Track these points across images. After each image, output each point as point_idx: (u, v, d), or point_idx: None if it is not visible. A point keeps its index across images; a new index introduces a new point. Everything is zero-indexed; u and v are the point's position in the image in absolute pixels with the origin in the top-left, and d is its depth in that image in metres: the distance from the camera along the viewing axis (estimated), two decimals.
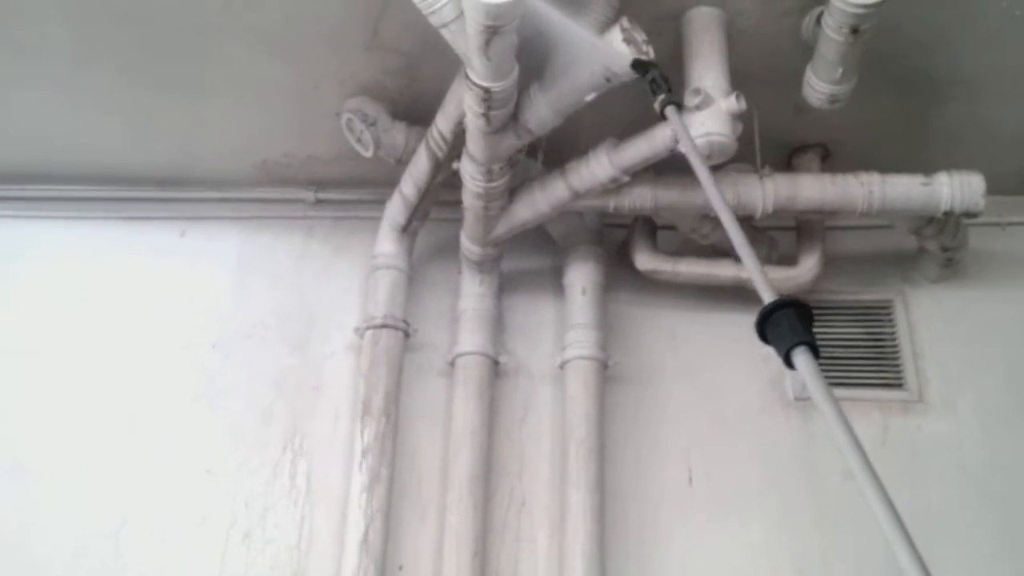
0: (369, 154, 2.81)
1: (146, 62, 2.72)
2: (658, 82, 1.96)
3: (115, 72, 2.75)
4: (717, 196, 1.62)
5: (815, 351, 1.16)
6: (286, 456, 2.87)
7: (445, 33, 2.14)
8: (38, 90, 2.85)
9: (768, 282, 1.32)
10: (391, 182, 2.92)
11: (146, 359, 3.03)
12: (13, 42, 2.63)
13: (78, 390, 2.99)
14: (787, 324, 1.20)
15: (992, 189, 2.59)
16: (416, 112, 2.80)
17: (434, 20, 2.12)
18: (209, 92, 2.85)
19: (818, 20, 2.31)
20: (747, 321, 2.97)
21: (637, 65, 2.06)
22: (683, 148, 1.88)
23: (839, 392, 2.88)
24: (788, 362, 1.21)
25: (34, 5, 2.48)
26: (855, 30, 2.19)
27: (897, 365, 3.00)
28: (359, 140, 2.81)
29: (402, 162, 2.83)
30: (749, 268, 1.38)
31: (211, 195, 3.27)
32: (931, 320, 3.05)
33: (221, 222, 3.27)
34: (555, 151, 2.67)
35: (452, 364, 2.90)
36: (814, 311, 2.95)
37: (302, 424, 2.92)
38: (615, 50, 2.14)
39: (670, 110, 1.90)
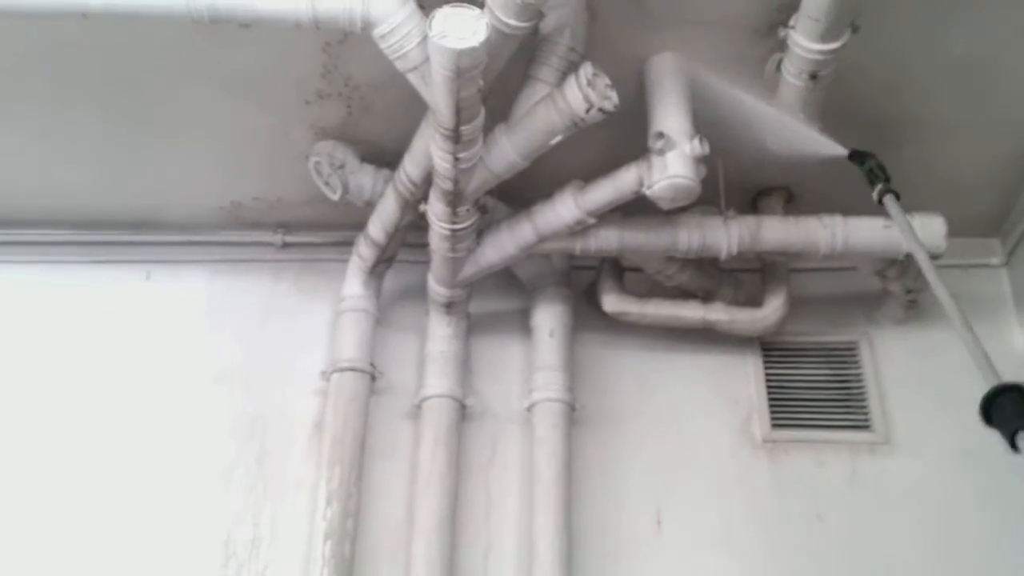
0: (337, 197, 2.81)
1: (115, 106, 2.72)
2: (875, 172, 2.03)
3: (84, 115, 2.75)
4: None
5: None
6: (251, 501, 2.83)
7: (412, 77, 2.16)
8: (3, 133, 2.83)
9: (991, 363, 1.34)
10: (359, 225, 2.92)
11: (111, 404, 2.99)
12: None
13: (42, 436, 2.94)
14: (1012, 408, 1.21)
15: (953, 231, 2.63)
16: (384, 155, 2.81)
17: (400, 65, 2.14)
18: (178, 135, 2.85)
19: (778, 66, 2.35)
20: (715, 363, 3.05)
21: (855, 156, 2.11)
22: (904, 240, 1.90)
23: (806, 434, 2.93)
24: (1013, 444, 1.22)
25: (4, 49, 2.47)
26: (814, 76, 2.23)
27: (864, 406, 3.01)
28: (327, 183, 2.81)
29: (370, 205, 2.84)
30: (972, 349, 1.41)
31: (178, 238, 3.25)
32: (896, 361, 3.07)
33: (188, 265, 3.25)
34: (522, 194, 2.68)
35: (419, 407, 2.87)
36: (778, 352, 3.00)
37: (268, 469, 2.88)
38: (829, 141, 2.24)
39: (888, 199, 1.94)
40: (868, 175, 2.04)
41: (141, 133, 2.84)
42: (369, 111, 2.72)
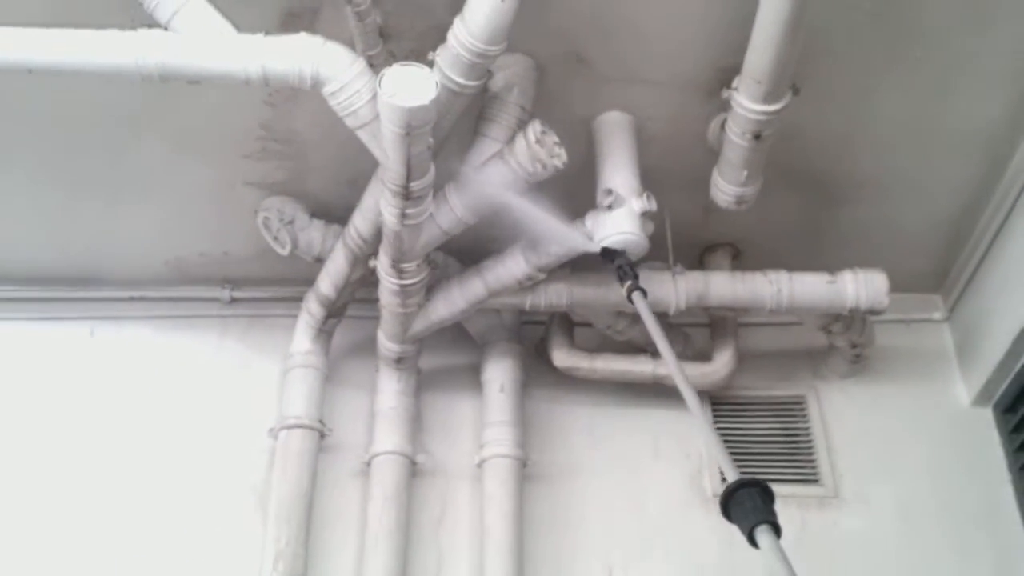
0: (286, 252, 2.80)
1: (58, 160, 2.70)
2: (624, 269, 2.08)
3: (24, 169, 2.72)
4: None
5: (777, 530, 1.19)
6: (194, 562, 2.76)
7: (362, 134, 2.17)
8: None
9: (731, 461, 1.37)
10: (308, 280, 2.91)
11: (50, 466, 2.92)
12: None
13: None
14: (750, 503, 1.23)
15: (896, 287, 2.67)
16: (333, 210, 2.81)
17: (350, 122, 2.15)
18: (122, 190, 2.82)
19: (723, 126, 2.40)
20: (665, 417, 3.05)
21: (606, 253, 2.17)
22: (647, 325, 1.95)
23: None
24: (752, 540, 1.24)
25: None
26: (757, 136, 2.28)
27: (812, 460, 3.02)
28: (276, 238, 2.80)
29: (319, 260, 2.83)
30: (714, 452, 1.44)
31: (122, 294, 3.20)
32: (843, 415, 3.09)
33: (132, 321, 3.20)
34: (472, 249, 2.69)
35: (368, 464, 2.83)
36: (727, 407, 3.03)
37: (213, 529, 2.82)
38: (584, 237, 2.30)
39: (636, 296, 1.99)
40: (617, 272, 2.13)
41: (84, 187, 2.81)
42: (318, 166, 2.72)
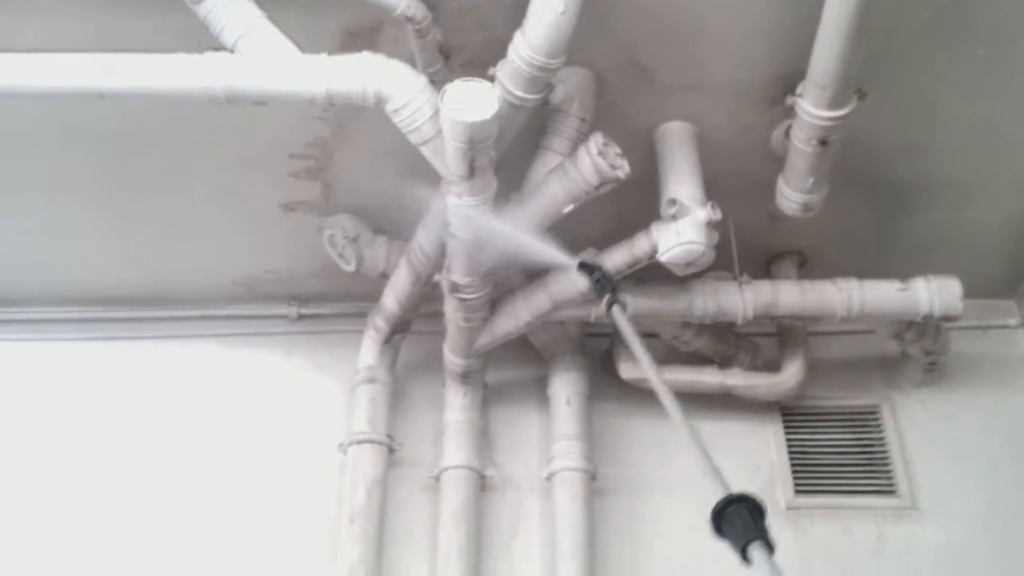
0: (351, 269, 2.83)
1: (129, 183, 2.76)
2: (602, 283, 2.07)
3: (95, 194, 2.79)
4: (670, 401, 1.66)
5: (770, 547, 1.16)
6: None
7: (425, 150, 2.18)
8: (16, 209, 2.86)
9: (721, 475, 1.35)
10: (373, 296, 2.94)
11: (119, 485, 2.97)
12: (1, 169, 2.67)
13: (50, 515, 2.93)
14: (740, 521, 1.21)
15: (970, 293, 2.62)
16: (398, 226, 2.82)
17: (413, 138, 2.16)
18: (191, 211, 2.87)
19: (787, 132, 2.37)
20: (735, 428, 3.02)
21: (583, 267, 2.17)
22: (626, 339, 1.93)
23: (831, 500, 2.88)
24: (745, 557, 1.21)
25: (20, 126, 2.51)
26: (823, 141, 2.24)
27: (888, 471, 2.97)
28: (341, 255, 2.83)
29: (384, 276, 2.85)
30: (703, 464, 1.41)
31: (191, 313, 3.26)
32: (919, 425, 3.04)
33: (202, 339, 3.25)
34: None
35: (437, 479, 2.85)
36: (798, 417, 2.97)
37: (286, 545, 2.85)
38: (563, 256, 2.25)
39: (615, 310, 1.99)
40: (595, 286, 2.08)
41: (154, 210, 2.87)
42: (382, 182, 2.72)
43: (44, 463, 3.03)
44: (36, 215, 2.88)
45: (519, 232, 2.33)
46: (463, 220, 2.29)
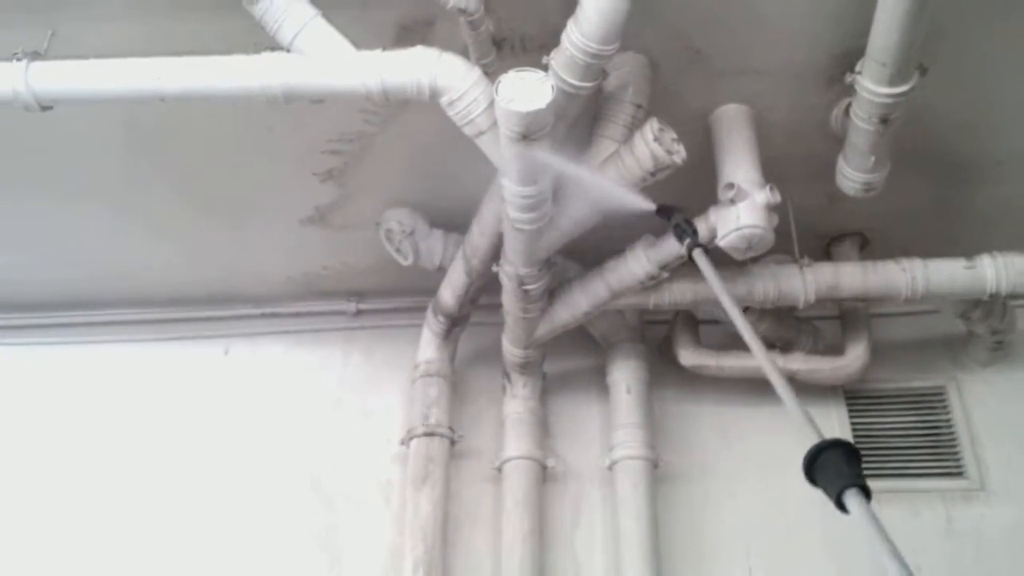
0: (408, 263, 2.84)
1: (187, 184, 2.81)
2: (682, 227, 2.03)
3: (156, 195, 2.84)
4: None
5: (867, 493, 1.12)
6: (335, 571, 2.83)
7: (480, 142, 2.18)
8: (79, 215, 2.92)
9: (812, 420, 1.30)
10: (430, 289, 2.95)
11: (191, 481, 3.03)
12: (66, 168, 2.72)
13: (122, 513, 2.99)
14: (834, 468, 1.16)
15: None
16: (453, 219, 2.84)
17: (468, 130, 2.16)
18: (250, 209, 2.91)
19: (846, 111, 2.33)
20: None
21: (661, 211, 2.13)
22: (712, 288, 1.89)
23: (898, 483, 2.85)
24: (840, 505, 1.17)
25: (80, 133, 2.56)
26: (884, 120, 2.20)
27: (956, 453, 2.92)
28: (398, 250, 2.85)
29: (441, 269, 2.87)
30: (794, 412, 1.37)
31: (253, 311, 3.31)
32: (986, 405, 2.98)
33: (264, 338, 3.30)
34: (591, 251, 2.68)
35: (499, 470, 2.86)
36: (863, 401, 2.92)
37: (350, 538, 2.89)
38: (640, 199, 2.21)
39: (697, 253, 1.95)
40: (675, 230, 2.03)
41: (213, 209, 2.91)
42: (437, 176, 2.75)
43: (109, 465, 3.09)
44: (100, 220, 2.94)
45: (595, 176, 2.29)
46: (537, 167, 2.18)
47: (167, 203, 2.87)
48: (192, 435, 3.13)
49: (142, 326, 3.35)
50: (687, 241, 1.98)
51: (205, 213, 2.92)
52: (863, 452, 2.87)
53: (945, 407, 3.00)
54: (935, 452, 2.93)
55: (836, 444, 1.17)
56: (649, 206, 2.19)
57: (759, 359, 1.57)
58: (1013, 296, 2.59)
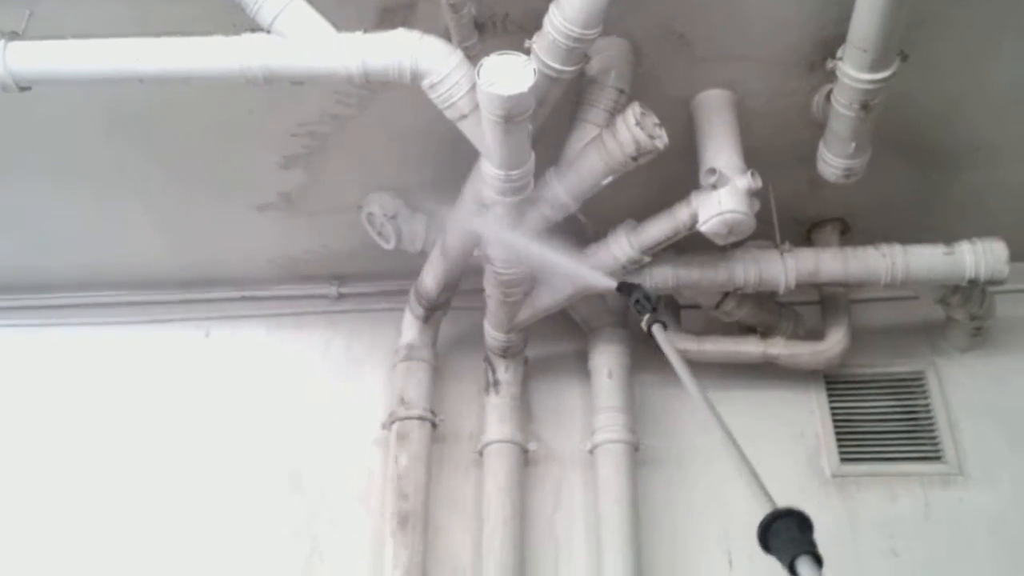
0: (390, 247, 2.84)
1: (171, 168, 2.78)
2: (642, 303, 2.07)
3: (140, 178, 2.82)
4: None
5: (819, 561, 1.16)
6: (314, 557, 2.83)
7: (462, 125, 2.17)
8: (61, 198, 2.90)
9: (767, 491, 1.34)
10: (412, 273, 2.95)
11: (168, 464, 3.02)
12: (45, 151, 2.70)
13: (102, 495, 2.99)
14: (787, 535, 1.20)
15: (1015, 255, 2.58)
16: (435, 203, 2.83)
17: (450, 114, 2.16)
18: (231, 192, 2.89)
19: (828, 97, 2.34)
20: (779, 398, 3.01)
21: (622, 287, 2.17)
22: (668, 357, 1.94)
23: (876, 467, 2.87)
24: (792, 571, 1.20)
25: (62, 116, 2.54)
26: (865, 106, 2.21)
27: (934, 437, 2.95)
28: (380, 233, 2.84)
29: (423, 252, 2.86)
30: (749, 482, 1.41)
31: (235, 294, 3.30)
32: (964, 390, 3.01)
33: (246, 321, 3.29)
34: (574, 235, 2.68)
35: (481, 454, 2.87)
36: (842, 385, 2.95)
37: (331, 521, 2.89)
38: (602, 277, 2.34)
39: (656, 329, 1.98)
40: (635, 306, 2.07)
41: (194, 192, 2.89)
42: (419, 160, 2.74)
43: (89, 446, 3.08)
44: (80, 202, 2.91)
45: (555, 253, 2.40)
46: (498, 244, 2.38)
47: (148, 186, 2.85)
48: (172, 417, 3.12)
49: (122, 308, 3.33)
50: (647, 316, 2.03)
51: (186, 196, 2.90)
52: (843, 436, 2.95)
53: (924, 392, 3.02)
54: (914, 436, 2.95)
55: (789, 513, 1.21)
56: (610, 283, 2.24)
57: (717, 426, 1.61)
58: (992, 282, 2.60)
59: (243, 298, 3.30)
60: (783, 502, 2.84)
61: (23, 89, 2.14)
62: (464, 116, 2.14)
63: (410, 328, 2.99)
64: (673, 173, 2.42)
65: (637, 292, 2.10)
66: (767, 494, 1.31)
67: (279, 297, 3.29)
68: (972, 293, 2.75)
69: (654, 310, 2.04)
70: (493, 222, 2.37)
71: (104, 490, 2.99)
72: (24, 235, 3.07)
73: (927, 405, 3.00)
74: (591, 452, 2.83)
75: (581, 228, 2.64)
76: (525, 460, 2.88)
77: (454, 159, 2.52)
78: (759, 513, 2.84)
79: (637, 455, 2.82)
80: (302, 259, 3.19)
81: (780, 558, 1.19)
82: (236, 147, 2.71)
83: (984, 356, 3.04)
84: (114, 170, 2.78)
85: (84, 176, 2.80)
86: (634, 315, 2.07)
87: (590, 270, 2.40)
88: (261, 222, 3.01)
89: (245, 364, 3.22)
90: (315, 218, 3.00)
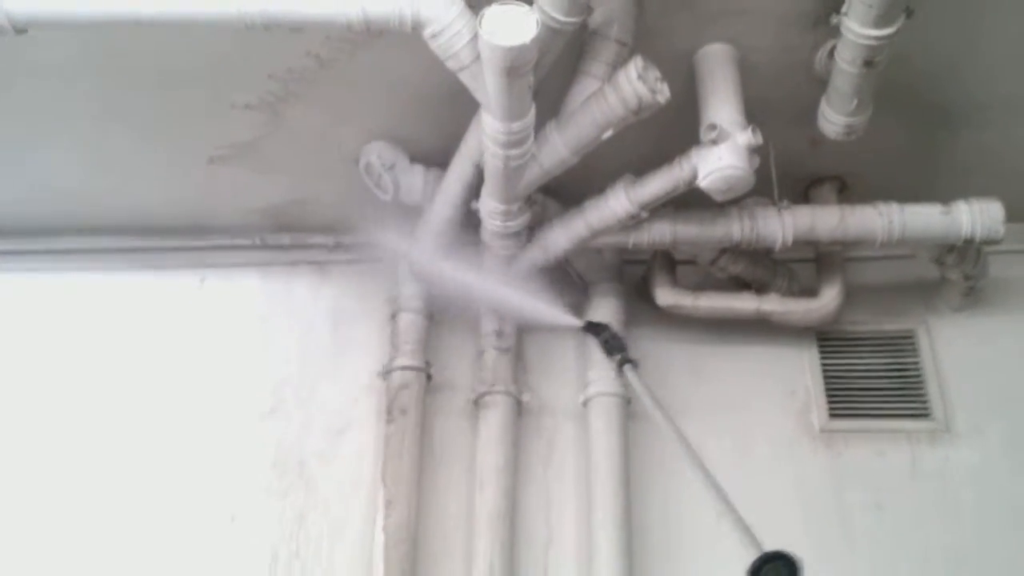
0: (388, 197, 2.82)
1: (163, 112, 2.74)
2: (611, 343, 2.08)
3: (132, 123, 2.78)
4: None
5: None
6: (310, 504, 2.85)
7: (463, 76, 2.16)
8: (53, 142, 2.87)
9: (753, 535, 1.36)
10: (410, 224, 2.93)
11: (164, 412, 3.02)
12: (40, 97, 2.66)
13: (95, 444, 2.97)
14: None
15: (1011, 216, 2.59)
16: (433, 155, 2.82)
17: (451, 64, 2.15)
18: (226, 139, 2.85)
19: (831, 53, 2.33)
20: (771, 354, 3.04)
21: (589, 327, 2.19)
22: (639, 395, 1.97)
23: (866, 423, 2.90)
24: None
25: (53, 59, 2.51)
26: (868, 63, 2.20)
27: (923, 395, 2.98)
28: (378, 184, 2.82)
29: (421, 204, 2.85)
30: (736, 526, 1.43)
31: (230, 242, 3.27)
32: (955, 349, 3.04)
33: (241, 269, 3.26)
34: (571, 189, 2.68)
35: (475, 404, 2.89)
36: (835, 342, 2.98)
37: (324, 469, 2.91)
38: (568, 317, 2.47)
39: (627, 369, 2.01)
40: (604, 346, 2.11)
41: (192, 138, 2.85)
42: (419, 111, 2.72)
43: (83, 391, 3.07)
44: (74, 145, 2.87)
45: (522, 295, 2.57)
46: (464, 288, 2.56)
47: (142, 132, 2.81)
48: (165, 364, 3.11)
49: (115, 254, 3.29)
50: (617, 357, 2.05)
51: (183, 142, 2.86)
52: (833, 392, 2.97)
53: (914, 350, 3.05)
54: (903, 394, 2.99)
55: (778, 556, 1.24)
56: (576, 323, 2.26)
57: (696, 475, 1.64)
58: (987, 242, 2.62)
59: (238, 246, 3.26)
60: (773, 457, 2.91)
61: (19, 32, 2.10)
62: (465, 67, 2.13)
63: (406, 278, 2.99)
64: (672, 128, 2.42)
65: (606, 332, 2.15)
66: (754, 537, 1.32)
67: (275, 246, 3.26)
68: (967, 253, 2.77)
69: (623, 348, 2.08)
70: (466, 268, 2.59)
71: (92, 440, 2.98)
72: (11, 176, 3.03)
73: (917, 363, 3.03)
74: (584, 405, 2.86)
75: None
76: (519, 411, 2.90)
77: (453, 110, 2.51)
78: (748, 468, 2.90)
79: (629, 408, 2.84)
80: (300, 207, 3.16)
81: None
82: (219, 92, 2.65)
83: (976, 315, 3.07)
84: (108, 115, 2.74)
85: (76, 119, 2.75)
86: (604, 355, 2.15)
87: (555, 310, 2.53)
88: (260, 168, 2.97)
89: (239, 313, 3.20)
90: (314, 165, 2.97)
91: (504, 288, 2.62)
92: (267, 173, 3.01)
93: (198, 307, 3.24)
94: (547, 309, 2.54)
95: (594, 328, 2.18)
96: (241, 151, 2.90)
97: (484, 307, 2.79)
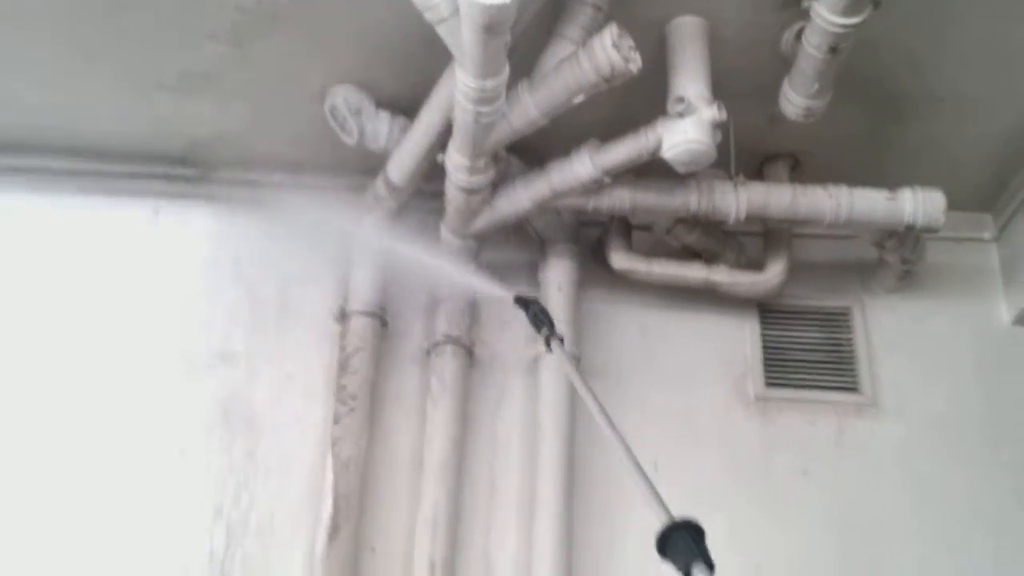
0: (352, 142, 2.83)
1: (132, 37, 2.69)
2: (540, 317, 2.13)
3: (97, 43, 2.71)
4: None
5: (711, 567, 1.27)
6: (262, 439, 2.89)
7: (440, 29, 2.17)
8: (9, 49, 2.77)
9: (663, 503, 1.45)
10: (372, 170, 2.94)
11: (112, 346, 3.00)
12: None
13: (45, 377, 2.95)
14: (683, 544, 1.32)
15: (952, 205, 2.71)
16: (400, 102, 2.83)
17: (430, 16, 2.16)
18: (190, 71, 2.81)
19: (798, 36, 2.39)
20: (714, 322, 3.14)
21: (519, 301, 2.23)
22: (567, 374, 2.01)
23: (799, 393, 3.02)
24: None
25: None
26: (834, 49, 2.27)
27: (852, 370, 3.10)
28: (343, 128, 2.82)
29: (385, 151, 2.86)
30: (646, 495, 1.51)
31: (187, 172, 3.23)
32: (886, 328, 3.16)
33: (196, 201, 3.22)
34: (535, 148, 2.71)
35: (427, 352, 2.94)
36: (775, 315, 3.07)
37: (273, 412, 2.94)
38: (499, 288, 2.46)
39: (554, 344, 2.06)
40: (533, 320, 2.17)
41: (154, 69, 2.80)
42: (389, 57, 2.71)
43: (28, 320, 3.04)
44: (28, 53, 2.79)
45: (454, 266, 2.64)
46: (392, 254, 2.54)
47: (101, 55, 2.74)
48: (119, 294, 3.09)
49: (69, 176, 3.21)
50: (544, 331, 2.11)
51: (147, 71, 2.81)
52: (770, 362, 3.08)
53: (849, 327, 3.16)
54: (836, 368, 3.11)
55: (687, 525, 1.33)
56: (507, 294, 2.30)
57: (615, 445, 1.72)
58: (927, 230, 2.73)
59: (196, 177, 3.23)
60: (710, 419, 3.00)
61: None
62: (443, 20, 2.15)
63: (367, 224, 3.00)
64: (639, 96, 2.46)
65: (535, 307, 2.20)
66: (664, 507, 1.43)
67: (233, 181, 3.21)
68: (907, 238, 2.87)
69: (551, 324, 2.13)
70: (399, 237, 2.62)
71: (45, 365, 2.96)
72: None
73: (850, 339, 3.15)
74: (534, 360, 2.93)
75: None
76: (471, 362, 2.96)
77: (426, 60, 2.52)
78: (686, 429, 2.99)
79: (579, 367, 2.89)
80: (262, 145, 3.13)
81: (677, 565, 1.30)
82: (186, 21, 2.61)
83: (909, 297, 3.19)
84: (59, 24, 2.64)
85: (28, 27, 2.66)
86: (531, 329, 2.22)
87: (487, 281, 2.57)
88: (221, 103, 2.94)
89: (193, 246, 3.18)
90: (279, 105, 2.94)
91: (442, 260, 2.70)
92: (232, 107, 2.96)
93: (149, 238, 3.19)
94: (480, 282, 2.60)
95: (523, 302, 2.23)
96: (202, 81, 2.86)
97: (422, 276, 2.85)
